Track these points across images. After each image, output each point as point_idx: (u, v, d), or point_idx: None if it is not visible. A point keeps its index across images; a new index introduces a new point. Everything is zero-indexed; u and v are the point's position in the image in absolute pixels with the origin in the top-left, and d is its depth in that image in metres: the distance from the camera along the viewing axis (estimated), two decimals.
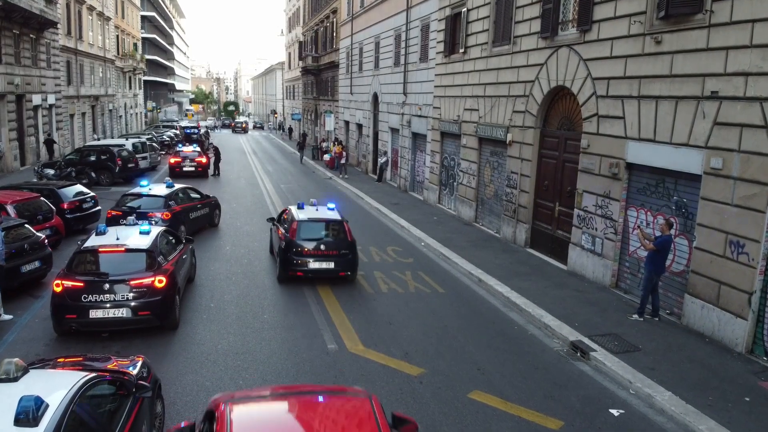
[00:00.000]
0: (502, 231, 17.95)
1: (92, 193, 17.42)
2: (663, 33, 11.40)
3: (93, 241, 10.33)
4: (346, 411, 5.13)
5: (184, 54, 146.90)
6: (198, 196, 18.53)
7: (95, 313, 9.35)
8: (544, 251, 15.95)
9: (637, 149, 12.08)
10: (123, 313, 9.46)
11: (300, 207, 14.38)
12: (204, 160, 29.93)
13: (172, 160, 29.65)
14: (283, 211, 15.23)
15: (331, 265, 12.90)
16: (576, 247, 14.18)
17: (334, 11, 44.23)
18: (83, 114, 45.09)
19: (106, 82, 52.38)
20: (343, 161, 33.01)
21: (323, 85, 49.84)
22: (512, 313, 11.73)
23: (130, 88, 66.37)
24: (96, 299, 9.36)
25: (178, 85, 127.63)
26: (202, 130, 54.60)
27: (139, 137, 39.38)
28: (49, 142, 36.23)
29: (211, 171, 31.36)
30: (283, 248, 12.98)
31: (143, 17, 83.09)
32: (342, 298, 12.22)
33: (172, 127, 57.50)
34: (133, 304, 9.50)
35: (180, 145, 32.73)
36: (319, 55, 50.68)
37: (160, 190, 17.07)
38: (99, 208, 17.53)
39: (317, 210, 14.34)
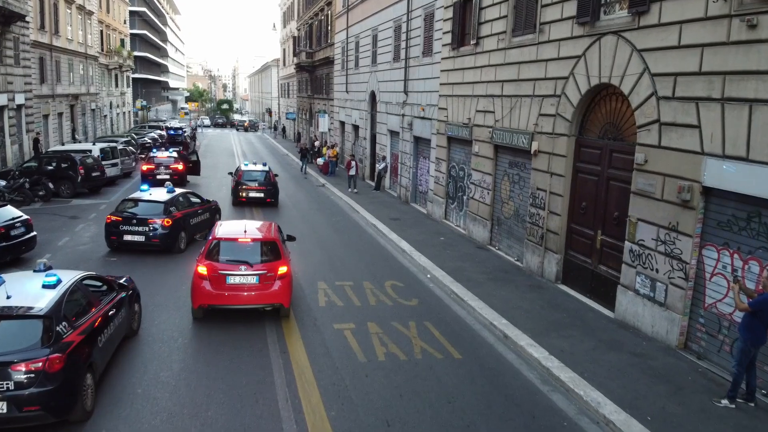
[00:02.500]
0: (526, 259, 14.85)
1: (24, 217, 14.24)
2: (759, 14, 8.30)
3: None
4: None
5: (180, 51, 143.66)
6: (198, 200, 17.87)
7: None
8: (581, 290, 12.84)
9: (720, 169, 8.98)
10: None
11: (245, 164, 24.83)
12: (181, 167, 26.79)
13: (145, 167, 26.52)
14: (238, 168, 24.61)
15: (261, 195, 22.80)
16: (628, 291, 11.08)
17: (329, 3, 41.05)
18: (60, 114, 41.95)
19: (87, 80, 49.23)
20: (352, 172, 26.97)
21: (318, 83, 46.68)
22: (556, 394, 8.61)
23: (117, 86, 63.23)
24: None
25: (173, 83, 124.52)
26: (188, 131, 51.40)
27: (116, 140, 36.36)
28: (35, 142, 33.97)
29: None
30: (233, 186, 23.35)
31: (132, 12, 79.92)
32: (324, 373, 9.02)
33: (159, 128, 54.18)
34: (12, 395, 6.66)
35: (155, 150, 29.56)
36: (314, 50, 47.50)
37: (161, 195, 16.33)
38: (34, 234, 14.38)
39: (255, 165, 24.78)
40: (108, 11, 58.52)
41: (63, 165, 23.25)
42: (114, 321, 8.74)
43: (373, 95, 29.63)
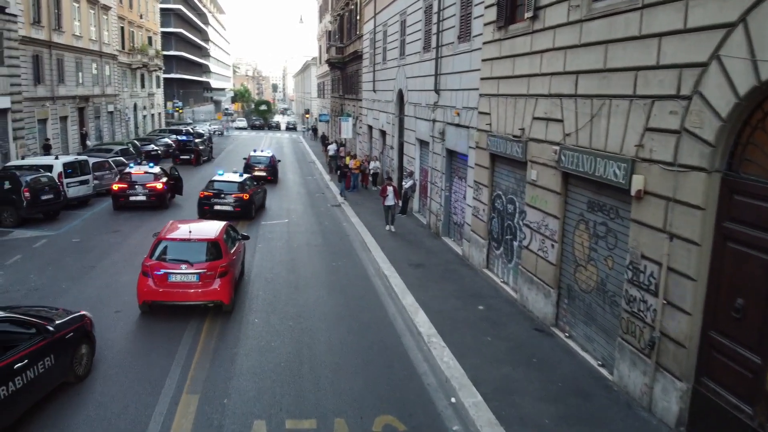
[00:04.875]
0: (619, 371, 8.87)
1: None
2: None
3: None
4: None
5: (224, 51, 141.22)
6: (256, 182, 22.90)
7: None
8: None
9: None
10: None
11: (254, 151, 32.21)
12: (160, 185, 21.74)
13: (116, 187, 21.61)
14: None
15: (264, 174, 28.92)
16: None
17: None
18: (63, 118, 37.83)
19: (102, 80, 45.19)
20: (389, 202, 19.08)
21: (348, 81, 41.30)
22: None
23: (143, 86, 59.46)
24: None
25: (216, 83, 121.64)
26: (205, 136, 46.78)
27: (111, 148, 31.83)
28: (46, 147, 32.32)
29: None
30: (245, 166, 28.99)
31: (167, 10, 76.55)
32: None
33: (179, 131, 49.79)
34: None
35: (132, 164, 24.66)
36: (344, 45, 42.15)
37: (233, 177, 21.51)
38: None
39: (262, 152, 32.13)
40: (131, 6, 54.65)
41: (5, 187, 18.48)
42: (26, 373, 7.39)
43: (400, 95, 23.93)
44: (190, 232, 11.78)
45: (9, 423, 7.16)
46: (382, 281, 14.04)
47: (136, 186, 21.42)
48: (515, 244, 12.98)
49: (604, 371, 9.36)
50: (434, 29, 18.49)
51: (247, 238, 14.18)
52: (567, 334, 10.67)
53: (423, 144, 20.82)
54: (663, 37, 7.92)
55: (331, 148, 36.01)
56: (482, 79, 14.40)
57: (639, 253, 8.33)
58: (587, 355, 9.97)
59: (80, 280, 13.25)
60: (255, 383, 8.82)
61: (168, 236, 11.64)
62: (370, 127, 31.75)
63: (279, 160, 33.13)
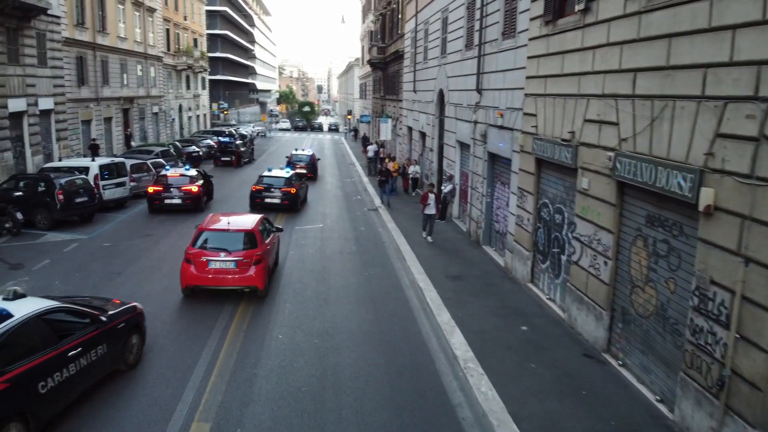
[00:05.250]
0: (681, 410, 7.78)
1: None
2: None
3: None
4: None
5: (270, 52, 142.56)
6: (299, 179, 24.19)
7: None
8: None
9: None
10: None
11: (295, 150, 33.76)
12: (195, 188, 21.39)
13: (151, 189, 21.33)
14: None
15: (305, 171, 29.30)
16: None
17: None
18: (108, 119, 38.25)
19: (147, 82, 45.64)
20: (429, 211, 17.94)
21: (389, 82, 40.53)
22: None
23: (189, 87, 60.08)
24: None
25: (261, 85, 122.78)
26: (248, 137, 46.68)
27: (151, 150, 31.88)
28: (94, 147, 32.67)
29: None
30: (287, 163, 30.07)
31: (213, 12, 77.38)
32: None
33: (221, 133, 49.90)
34: None
35: (167, 167, 24.41)
36: (385, 45, 41.40)
37: (281, 173, 23.17)
38: None
39: (303, 150, 33.95)
40: (176, 8, 55.22)
41: (39, 189, 18.38)
42: (79, 361, 7.80)
43: (441, 95, 22.99)
44: (228, 223, 12.81)
45: (63, 407, 7.62)
46: (416, 294, 13.17)
47: (172, 189, 21.12)
48: (563, 258, 11.91)
49: (662, 408, 8.26)
50: (477, 26, 17.50)
51: (280, 230, 15.30)
52: (620, 362, 9.58)
53: (463, 147, 19.84)
54: (738, 29, 6.83)
55: (371, 149, 35.28)
56: (528, 77, 13.38)
57: (707, 278, 7.23)
58: (643, 387, 8.88)
59: (104, 288, 12.81)
60: (272, 411, 8.08)
61: (209, 227, 12.69)
62: (410, 129, 30.88)
63: (318, 159, 35.42)
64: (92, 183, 20.49)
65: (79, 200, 18.85)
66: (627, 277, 9.44)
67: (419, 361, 9.75)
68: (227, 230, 12.51)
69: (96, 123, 36.38)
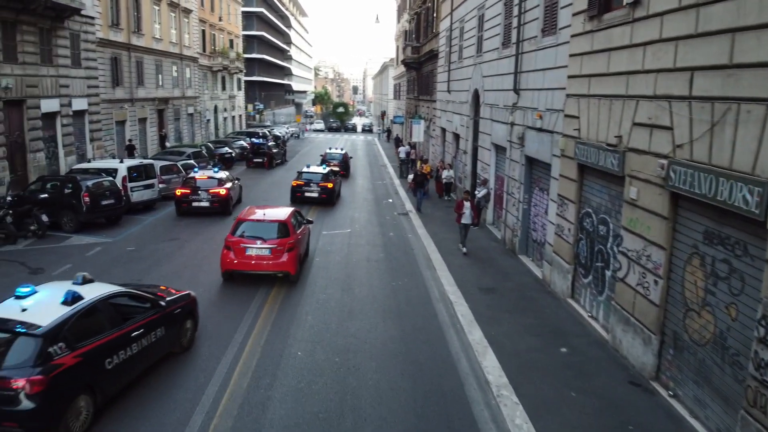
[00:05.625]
0: None
1: None
2: None
3: None
4: None
5: (306, 53, 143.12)
6: (336, 174, 25.51)
7: None
8: None
9: None
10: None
11: (329, 149, 34.62)
12: (224, 191, 20.96)
13: (179, 192, 20.99)
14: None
15: (337, 168, 29.14)
16: None
17: None
18: (142, 120, 38.40)
19: (183, 83, 45.80)
20: (465, 220, 16.50)
21: (423, 82, 39.70)
22: None
23: (224, 88, 60.29)
24: None
25: (297, 86, 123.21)
26: (282, 138, 46.40)
27: (183, 151, 31.73)
28: (131, 148, 33.60)
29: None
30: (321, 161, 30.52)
31: (249, 13, 77.72)
32: None
33: (255, 134, 49.75)
34: None
35: (196, 169, 24.02)
36: (420, 44, 40.59)
37: (319, 169, 25.14)
38: None
39: (336, 149, 34.35)
40: (212, 9, 55.41)
41: (65, 191, 18.17)
42: (141, 341, 8.54)
43: (476, 95, 22.09)
44: (264, 214, 14.14)
45: (125, 383, 8.32)
46: (446, 308, 12.36)
47: (200, 191, 20.74)
48: (607, 273, 10.95)
49: None
50: (515, 22, 16.59)
51: (311, 222, 16.39)
52: (671, 393, 8.61)
53: (499, 149, 18.92)
54: None
55: (402, 151, 34.53)
56: (570, 77, 12.44)
57: None
58: (697, 422, 7.91)
59: None
60: None
61: (246, 218, 13.95)
62: (444, 130, 30.01)
63: (351, 157, 37.72)
64: (120, 185, 20.28)
65: (105, 202, 18.58)
66: (680, 299, 8.46)
67: (448, 386, 8.94)
68: (263, 221, 13.77)
69: (130, 123, 36.51)
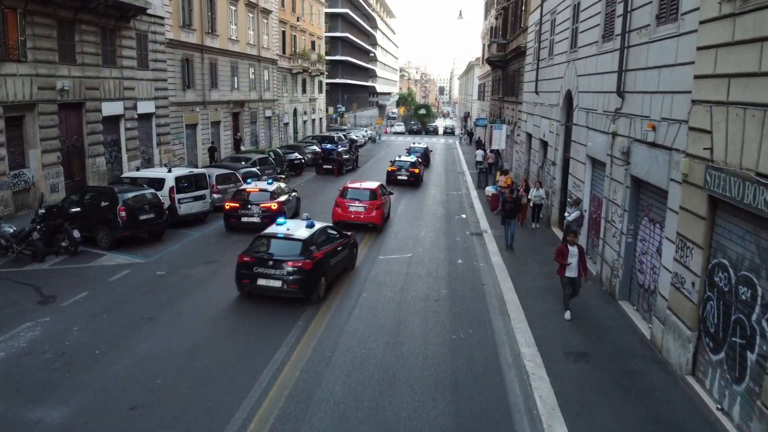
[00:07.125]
0: None
1: None
2: None
3: None
4: None
5: (392, 55, 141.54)
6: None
7: None
8: None
9: None
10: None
11: (399, 156, 34.81)
12: (275, 205, 18.82)
13: (228, 205, 19.05)
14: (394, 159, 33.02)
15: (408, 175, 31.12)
16: None
17: None
18: (216, 123, 37.38)
19: (260, 85, 44.70)
20: (572, 273, 11.96)
21: (508, 82, 36.28)
22: None
23: (305, 91, 59.11)
24: None
25: (381, 88, 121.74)
26: (358, 142, 44.26)
27: (249, 157, 30.08)
28: (212, 151, 34.76)
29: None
30: (389, 170, 31.42)
31: (333, 14, 76.58)
32: None
33: (330, 139, 47.87)
34: None
35: (249, 181, 21.87)
36: (507, 41, 37.18)
37: (408, 158, 32.09)
38: None
39: (407, 156, 34.02)
40: (293, 10, 54.26)
41: (102, 204, 16.61)
42: (340, 254, 14.04)
43: (568, 97, 18.74)
44: (360, 185, 20.76)
45: (330, 281, 13.41)
46: (519, 381, 9.35)
47: (250, 205, 18.75)
48: (750, 356, 7.62)
49: None
50: (619, 9, 13.27)
51: (391, 194, 22.91)
52: None
53: (596, 164, 15.57)
54: None
55: (478, 154, 31.47)
56: (698, 77, 9.12)
57: None
58: None
59: (119, 344, 10.24)
60: None
61: (350, 186, 20.50)
62: (529, 136, 26.62)
63: (431, 150, 45.26)
64: (168, 196, 18.62)
65: (144, 217, 16.86)
66: None
67: None
68: (360, 188, 20.15)
69: (202, 127, 35.51)
